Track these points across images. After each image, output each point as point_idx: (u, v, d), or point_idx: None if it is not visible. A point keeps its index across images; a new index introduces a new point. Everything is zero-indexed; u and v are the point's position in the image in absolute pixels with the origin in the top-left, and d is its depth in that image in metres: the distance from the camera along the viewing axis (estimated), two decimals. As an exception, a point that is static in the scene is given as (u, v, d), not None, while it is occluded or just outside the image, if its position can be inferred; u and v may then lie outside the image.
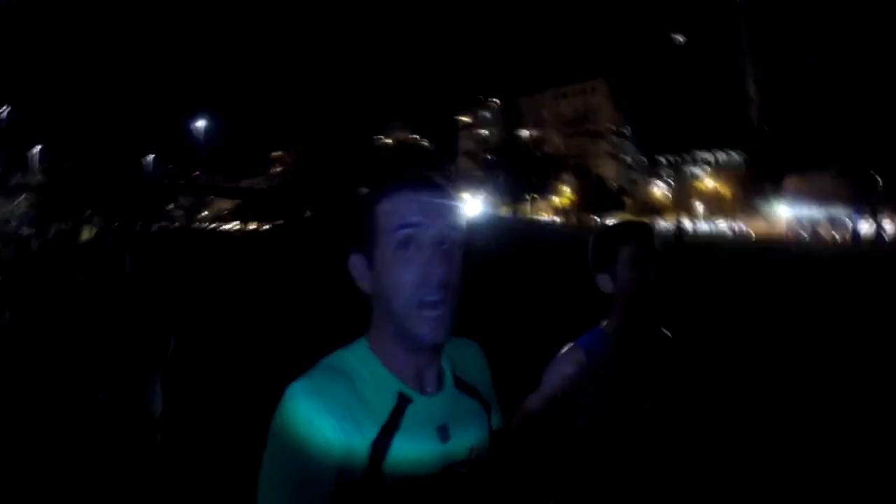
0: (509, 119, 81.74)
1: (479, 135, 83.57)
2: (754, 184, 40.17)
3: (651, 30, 50.36)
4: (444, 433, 1.06)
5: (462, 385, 1.16)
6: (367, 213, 1.07)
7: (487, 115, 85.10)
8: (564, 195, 69.14)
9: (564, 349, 1.84)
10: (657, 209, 58.47)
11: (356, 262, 1.08)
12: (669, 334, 1.96)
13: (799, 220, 39.02)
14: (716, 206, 52.07)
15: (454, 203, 1.08)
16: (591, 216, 60.95)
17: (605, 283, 1.84)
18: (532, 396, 1.84)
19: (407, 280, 1.01)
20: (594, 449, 1.80)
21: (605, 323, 1.87)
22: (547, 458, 1.87)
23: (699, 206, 54.04)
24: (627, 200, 61.05)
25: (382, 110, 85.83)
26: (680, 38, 48.33)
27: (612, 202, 60.38)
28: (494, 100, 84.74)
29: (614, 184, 64.12)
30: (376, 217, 1.05)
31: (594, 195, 61.58)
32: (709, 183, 52.04)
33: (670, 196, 59.06)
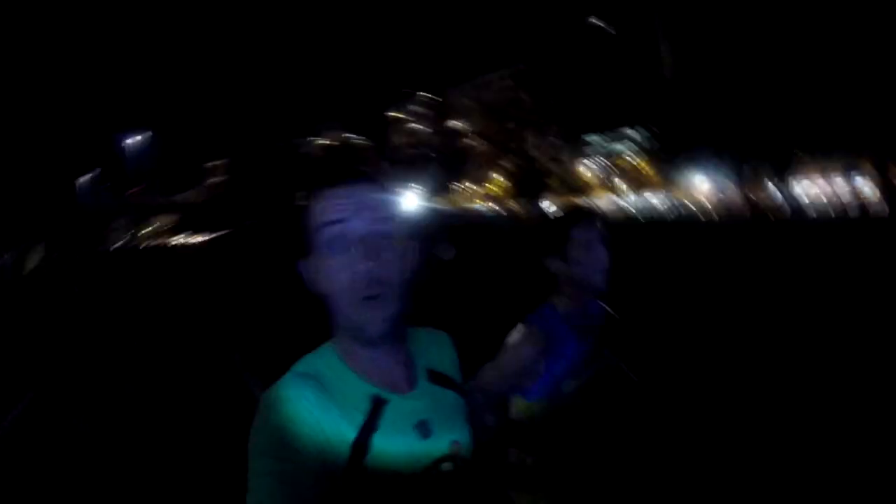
0: (437, 111, 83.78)
1: (409, 129, 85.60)
2: (669, 158, 42.83)
3: (568, 14, 52.15)
4: (424, 429, 1.06)
5: (437, 378, 1.16)
6: (302, 217, 1.08)
7: (416, 108, 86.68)
8: (494, 182, 71.52)
9: (519, 327, 1.88)
10: (584, 188, 61.09)
11: (303, 267, 1.09)
12: (612, 312, 2.04)
13: (719, 190, 42.15)
14: (637, 180, 54.90)
15: (379, 194, 1.07)
16: (522, 200, 63.71)
17: (556, 265, 1.90)
18: (489, 372, 1.86)
19: (340, 278, 1.02)
20: (556, 422, 1.84)
21: (556, 301, 1.94)
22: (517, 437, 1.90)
23: (621, 183, 56.70)
24: (554, 182, 63.68)
25: (313, 112, 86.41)
26: (595, 21, 50.21)
27: (539, 185, 63.03)
28: (422, 93, 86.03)
29: (540, 167, 66.70)
30: (309, 218, 1.06)
31: (522, 180, 64.13)
32: (630, 159, 54.79)
33: (596, 175, 61.68)
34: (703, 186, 43.01)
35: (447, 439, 1.09)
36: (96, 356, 9.66)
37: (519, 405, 1.88)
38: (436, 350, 1.22)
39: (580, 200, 59.86)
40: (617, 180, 57.28)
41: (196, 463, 4.56)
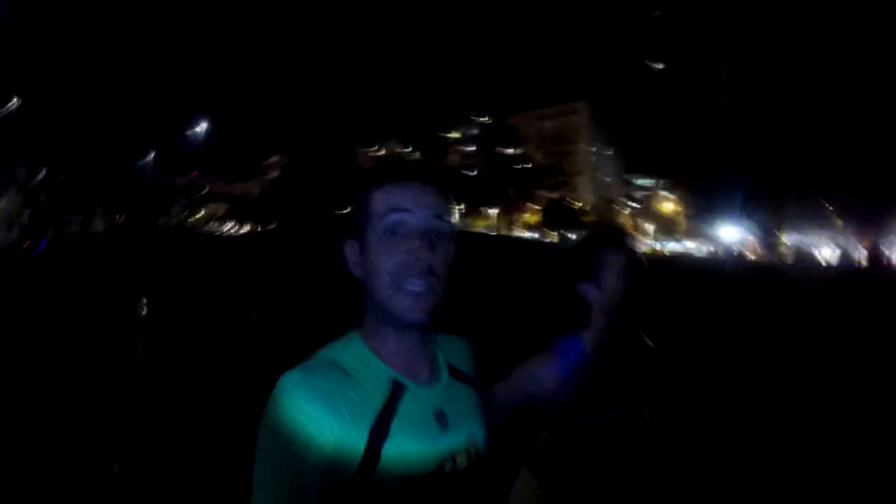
0: (494, 137, 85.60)
1: (465, 151, 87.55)
2: (698, 207, 43.56)
3: (632, 55, 52.90)
4: (442, 421, 1.08)
5: (457, 373, 1.20)
6: (361, 200, 1.11)
7: (474, 132, 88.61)
8: (533, 211, 73.20)
9: (541, 355, 1.83)
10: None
11: (349, 248, 1.12)
12: (651, 343, 1.97)
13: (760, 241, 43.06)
14: (666, 227, 55.87)
15: (443, 197, 1.11)
16: (556, 232, 65.09)
17: (590, 292, 1.83)
18: (501, 385, 1.84)
19: (392, 264, 1.04)
20: (565, 456, 1.80)
21: (584, 333, 1.85)
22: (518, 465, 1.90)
23: (650, 227, 57.72)
24: (589, 219, 64.88)
25: (376, 123, 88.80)
26: (658, 65, 50.54)
27: (572, 221, 64.31)
28: (482, 118, 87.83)
29: (579, 203, 67.98)
30: (369, 203, 1.09)
31: (556, 213, 65.52)
32: (667, 206, 55.71)
33: (630, 215, 62.78)
34: (730, 235, 43.86)
35: (465, 432, 1.12)
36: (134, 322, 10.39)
37: (528, 421, 1.89)
38: (457, 352, 1.27)
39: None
40: (646, 224, 58.35)
41: (209, 440, 4.66)
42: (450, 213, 1.11)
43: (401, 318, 1.06)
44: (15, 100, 62.97)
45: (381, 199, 1.08)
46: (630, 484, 1.78)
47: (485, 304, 10.95)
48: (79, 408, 5.39)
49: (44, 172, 56.40)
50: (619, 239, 1.88)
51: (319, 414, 0.94)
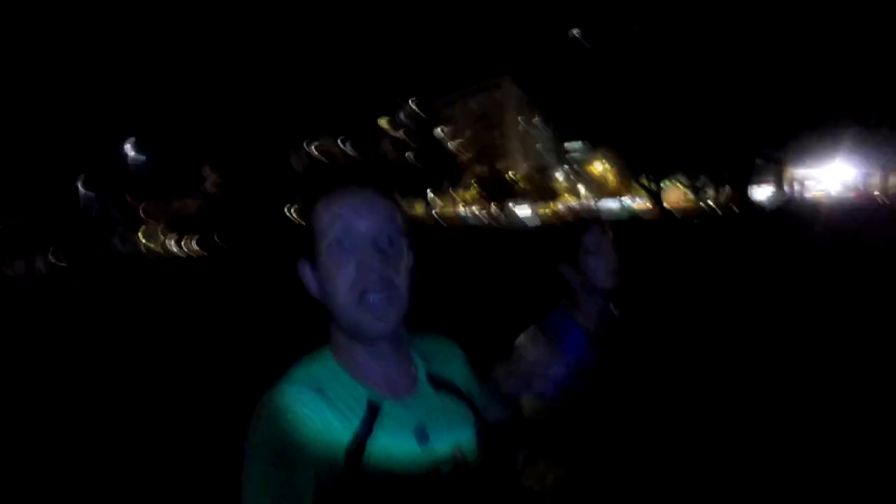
0: (423, 120, 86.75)
1: (397, 137, 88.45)
2: (631, 166, 45.29)
3: (551, 25, 53.73)
4: (421, 434, 1.05)
5: (438, 383, 1.15)
6: (307, 218, 1.09)
7: (403, 117, 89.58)
8: (472, 188, 74.83)
9: (531, 329, 1.83)
10: (554, 194, 64.19)
11: (304, 269, 1.10)
12: (616, 313, 1.97)
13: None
14: (601, 188, 57.99)
15: (386, 200, 1.08)
16: (495, 205, 67.02)
17: (568, 271, 1.83)
18: (500, 373, 1.74)
19: (344, 279, 1.02)
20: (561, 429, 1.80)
21: (568, 305, 1.85)
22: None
23: (582, 189, 59.85)
24: (527, 188, 66.82)
25: (306, 121, 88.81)
26: (577, 33, 51.49)
27: (510, 191, 66.32)
28: (411, 102, 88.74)
29: (514, 174, 69.84)
30: (313, 220, 1.07)
31: (492, 186, 67.35)
32: (598, 166, 57.64)
33: (565, 181, 64.80)
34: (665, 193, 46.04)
35: (448, 445, 1.08)
36: (91, 354, 10.40)
37: (530, 405, 1.84)
38: (440, 356, 1.22)
39: (552, 205, 63.37)
40: (581, 187, 60.44)
41: (189, 465, 4.62)
42: (396, 214, 1.09)
43: (365, 332, 1.04)
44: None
45: (324, 214, 1.06)
46: (624, 449, 1.89)
47: (457, 297, 10.82)
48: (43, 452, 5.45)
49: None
50: (588, 222, 1.91)
51: (303, 429, 0.95)
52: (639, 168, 42.49)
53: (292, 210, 62.51)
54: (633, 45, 39.55)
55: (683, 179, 43.75)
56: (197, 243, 70.29)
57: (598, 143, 49.81)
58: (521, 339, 1.82)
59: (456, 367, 1.24)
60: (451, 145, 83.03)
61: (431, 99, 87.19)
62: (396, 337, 1.09)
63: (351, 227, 1.04)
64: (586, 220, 1.93)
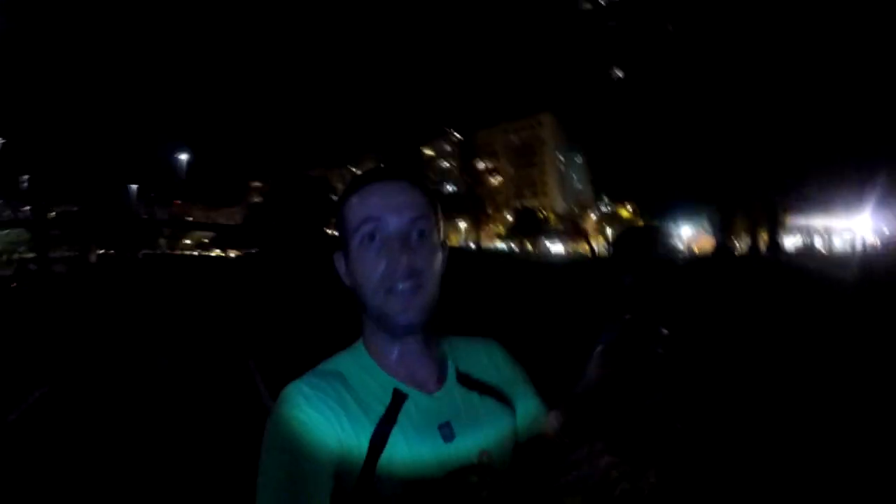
0: (466, 151, 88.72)
1: (440, 166, 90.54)
2: (649, 211, 46.15)
3: (596, 65, 54.79)
4: (447, 431, 1.03)
5: (470, 382, 1.13)
6: (340, 211, 1.09)
7: (447, 147, 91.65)
8: (506, 221, 76.51)
9: (598, 349, 1.73)
10: (585, 233, 65.11)
11: (338, 261, 1.10)
12: (666, 332, 1.85)
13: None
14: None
15: (420, 193, 1.07)
16: (526, 240, 68.31)
17: (628, 281, 1.87)
18: (583, 381, 1.70)
19: (374, 272, 1.02)
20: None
21: (628, 318, 1.78)
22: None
23: (609, 230, 60.57)
24: (559, 226, 67.94)
25: (353, 143, 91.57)
26: (620, 73, 52.61)
27: (541, 228, 67.54)
28: (454, 132, 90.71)
29: (545, 212, 71.05)
30: (346, 213, 1.07)
31: (525, 222, 68.75)
32: (626, 210, 58.61)
33: (596, 222, 65.77)
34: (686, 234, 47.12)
35: (475, 446, 1.05)
36: (146, 334, 11.05)
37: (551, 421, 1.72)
38: (477, 356, 1.20)
39: (582, 244, 64.43)
40: (607, 228, 61.15)
41: (206, 463, 4.61)
42: (429, 209, 1.07)
43: (393, 321, 1.03)
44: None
45: (356, 207, 1.06)
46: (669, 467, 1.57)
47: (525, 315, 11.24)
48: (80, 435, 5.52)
49: (35, 211, 59.06)
50: (652, 234, 1.96)
51: (322, 423, 0.94)
52: (663, 212, 43.37)
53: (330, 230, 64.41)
54: (668, 87, 40.49)
55: (707, 224, 44.69)
56: (237, 256, 72.59)
57: (623, 197, 50.72)
58: (592, 357, 1.87)
59: (495, 368, 1.20)
60: (490, 178, 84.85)
61: (474, 130, 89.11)
62: (425, 332, 1.07)
63: (382, 220, 1.03)
64: (642, 230, 2.07)
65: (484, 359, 1.20)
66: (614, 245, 1.93)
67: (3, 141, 65.68)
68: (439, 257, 1.08)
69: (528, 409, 1.19)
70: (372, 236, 1.03)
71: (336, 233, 1.12)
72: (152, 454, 4.91)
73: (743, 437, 4.65)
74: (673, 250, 1.91)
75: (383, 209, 1.04)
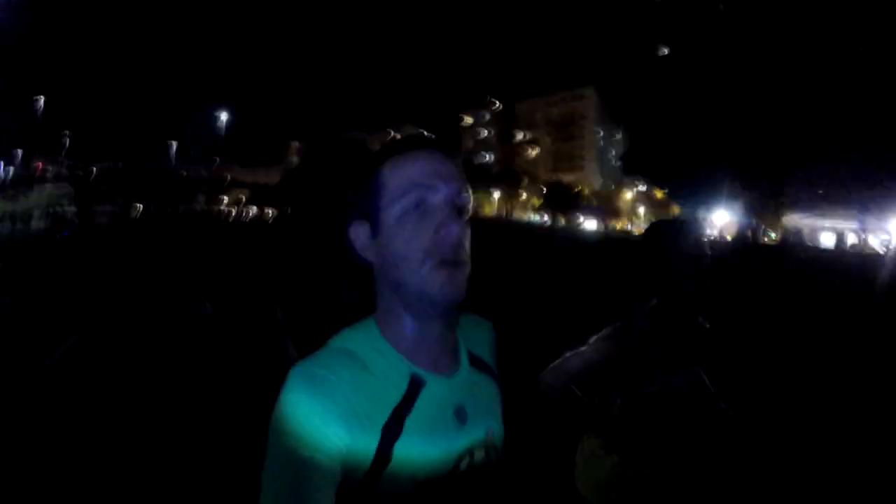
0: (505, 122, 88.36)
1: (479, 134, 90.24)
2: (682, 192, 45.79)
3: (643, 42, 54.10)
4: (461, 415, 1.01)
5: (477, 363, 1.12)
6: (371, 177, 1.01)
7: (486, 116, 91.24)
8: (537, 195, 76.47)
9: (608, 327, 1.94)
10: (619, 212, 64.84)
11: (358, 231, 1.03)
12: (707, 324, 2.03)
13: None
14: (659, 210, 58.24)
15: (458, 165, 1.03)
16: (559, 216, 68.07)
17: (656, 272, 1.94)
18: (572, 360, 1.91)
19: (419, 242, 0.96)
20: (631, 420, 1.85)
21: (648, 306, 1.96)
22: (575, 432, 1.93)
23: (642, 210, 60.26)
24: (595, 202, 67.58)
25: (392, 109, 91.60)
26: (665, 50, 51.94)
27: (573, 203, 67.20)
28: (494, 101, 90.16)
29: (583, 186, 70.63)
30: (382, 180, 1.00)
31: (557, 196, 68.55)
32: (664, 191, 58.13)
33: (630, 200, 65.33)
34: (720, 219, 46.61)
35: (483, 427, 1.05)
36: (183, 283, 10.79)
37: (589, 444, 1.98)
38: (477, 336, 1.18)
39: (617, 222, 64.15)
40: (642, 209, 60.83)
41: (223, 425, 4.57)
42: (466, 181, 1.03)
43: (435, 299, 0.96)
44: (42, 98, 67.23)
45: (397, 175, 0.99)
46: (692, 445, 1.85)
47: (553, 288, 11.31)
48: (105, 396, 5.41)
49: (78, 169, 60.62)
50: (682, 225, 1.98)
51: (330, 410, 0.89)
52: (697, 197, 42.92)
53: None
54: (714, 68, 39.90)
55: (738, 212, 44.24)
56: (275, 214, 73.48)
57: (660, 179, 50.29)
58: (599, 333, 1.92)
59: (487, 349, 1.20)
60: (528, 150, 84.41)
61: (515, 100, 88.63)
62: (455, 311, 1.03)
63: (430, 192, 0.97)
64: (672, 223, 2.08)
65: (485, 339, 1.20)
66: (644, 237, 2.05)
67: (43, 98, 67.14)
68: (470, 235, 1.04)
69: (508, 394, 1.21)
70: (417, 206, 0.98)
71: (358, 201, 1.04)
72: (185, 395, 5.18)
73: (777, 421, 4.71)
74: (702, 245, 1.95)
75: (431, 177, 0.99)
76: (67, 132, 70.14)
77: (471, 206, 1.02)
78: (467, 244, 0.99)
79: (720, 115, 38.38)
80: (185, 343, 7.07)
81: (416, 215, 0.97)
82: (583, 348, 1.91)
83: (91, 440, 4.33)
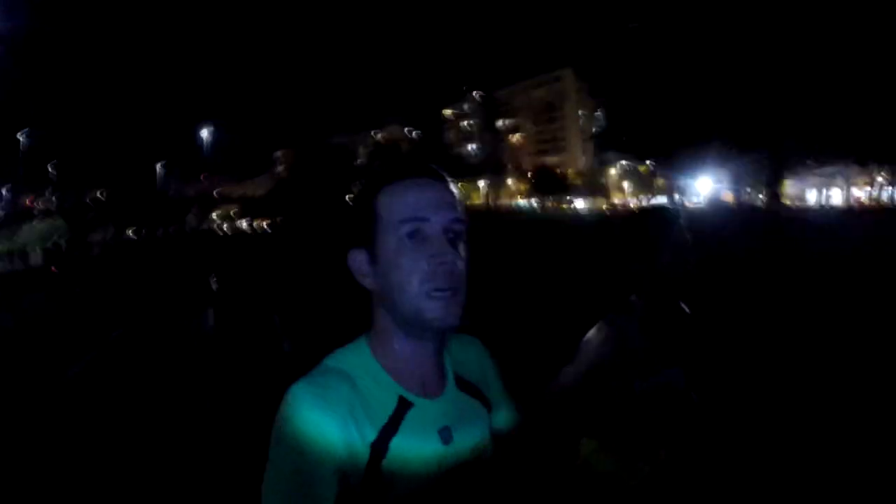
0: (487, 110, 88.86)
1: (461, 126, 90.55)
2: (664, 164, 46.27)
3: (615, 18, 54.13)
4: (446, 435, 1.04)
5: (464, 385, 1.14)
6: (367, 206, 1.03)
7: (467, 107, 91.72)
8: (523, 181, 77.06)
9: (598, 326, 1.88)
10: (605, 190, 65.39)
11: (357, 258, 1.05)
12: (688, 310, 2.03)
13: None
14: (644, 185, 58.85)
15: (454, 191, 1.05)
16: (550, 197, 68.68)
17: (639, 265, 1.90)
18: (568, 370, 1.87)
19: (416, 272, 0.98)
20: (624, 418, 1.84)
21: (634, 301, 1.92)
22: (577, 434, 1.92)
23: (628, 186, 60.85)
24: (580, 183, 68.17)
25: (375, 107, 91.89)
26: (637, 26, 51.74)
27: (560, 186, 67.87)
28: (476, 92, 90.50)
29: (566, 169, 71.20)
30: (378, 210, 1.02)
31: (544, 180, 69.28)
32: (648, 165, 58.58)
33: (616, 178, 65.87)
34: (704, 190, 47.19)
35: (469, 446, 1.07)
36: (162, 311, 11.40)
37: (587, 447, 1.95)
38: (467, 357, 1.19)
39: (604, 201, 64.65)
40: (627, 184, 61.37)
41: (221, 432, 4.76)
42: (462, 207, 1.05)
43: (431, 325, 0.99)
44: (26, 132, 67.67)
45: (394, 204, 1.01)
46: (683, 441, 1.87)
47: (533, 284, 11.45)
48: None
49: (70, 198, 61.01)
50: (664, 213, 1.95)
51: (329, 424, 0.93)
52: (682, 166, 43.28)
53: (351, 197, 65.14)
54: (687, 39, 40.13)
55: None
56: (267, 226, 73.94)
57: (643, 153, 50.79)
58: (588, 335, 1.88)
59: (479, 371, 1.20)
60: (511, 137, 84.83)
61: (495, 90, 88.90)
62: (445, 335, 1.06)
63: (426, 220, 0.99)
64: (655, 210, 2.03)
65: (472, 359, 1.21)
66: (627, 227, 2.01)
67: (27, 131, 67.49)
68: (468, 256, 1.06)
69: (503, 407, 1.22)
70: (412, 235, 0.99)
71: (356, 229, 1.05)
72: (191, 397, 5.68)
73: (757, 413, 4.61)
74: (684, 230, 1.91)
75: (427, 207, 1.00)
76: (53, 164, 70.62)
77: (464, 230, 1.05)
78: (464, 271, 1.02)
79: (705, 85, 38.56)
80: (190, 354, 7.62)
81: (412, 245, 0.99)
82: (578, 357, 1.88)
83: (108, 443, 4.68)
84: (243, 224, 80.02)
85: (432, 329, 1.00)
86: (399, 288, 0.99)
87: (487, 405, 1.16)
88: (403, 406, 1.01)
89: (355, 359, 1.04)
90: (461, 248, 1.02)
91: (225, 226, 78.27)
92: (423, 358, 1.05)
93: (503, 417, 1.20)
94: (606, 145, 66.20)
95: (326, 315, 6.02)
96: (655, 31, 45.00)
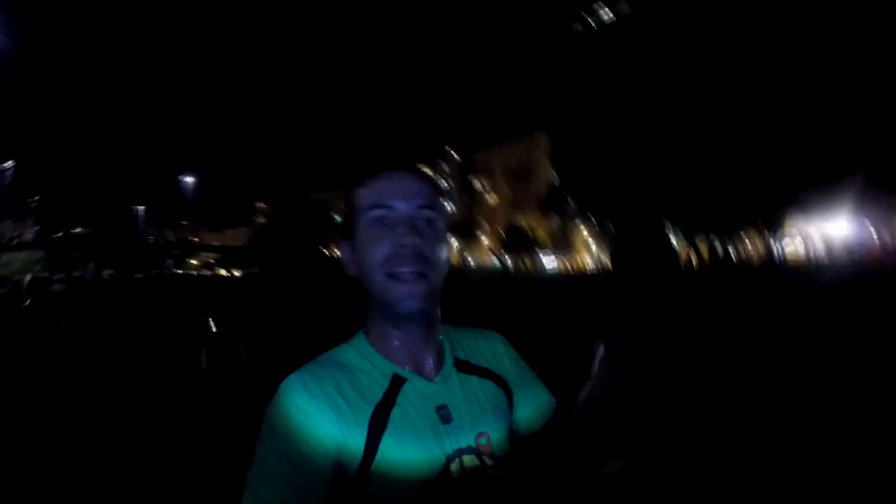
0: (464, 172, 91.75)
1: (439, 185, 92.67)
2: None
3: (589, 83, 55.90)
4: (445, 413, 1.05)
5: (468, 367, 1.15)
6: (349, 201, 1.12)
7: (446, 167, 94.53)
8: (496, 240, 79.19)
9: (600, 348, 1.88)
10: (572, 248, 67.73)
11: (345, 249, 1.11)
12: (678, 325, 2.00)
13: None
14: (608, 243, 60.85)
15: (427, 184, 1.10)
16: (517, 255, 71.16)
17: (632, 284, 1.89)
18: (583, 391, 1.82)
19: (381, 254, 1.03)
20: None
21: (630, 320, 1.91)
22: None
23: (595, 245, 63.10)
24: (548, 240, 70.57)
25: (355, 166, 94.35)
26: (612, 88, 52.97)
27: (532, 242, 70.79)
28: (454, 153, 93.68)
29: (537, 225, 73.54)
30: (355, 201, 1.10)
31: (517, 236, 72.46)
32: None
33: (586, 237, 68.19)
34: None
35: (472, 430, 1.07)
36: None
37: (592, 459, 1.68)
38: (475, 344, 1.22)
39: (568, 260, 66.67)
40: (592, 242, 63.47)
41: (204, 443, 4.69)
42: (436, 199, 1.10)
43: (396, 307, 1.04)
44: (10, 163, 68.73)
45: (366, 195, 1.09)
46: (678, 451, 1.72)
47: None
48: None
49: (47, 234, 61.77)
50: (663, 238, 1.91)
51: (321, 411, 0.95)
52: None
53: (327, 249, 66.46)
54: (658, 102, 41.43)
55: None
56: (241, 275, 74.64)
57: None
58: (596, 358, 1.88)
59: (494, 357, 1.22)
60: (486, 195, 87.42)
61: (472, 150, 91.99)
62: (427, 318, 1.09)
63: (390, 205, 1.06)
64: (643, 221, 2.02)
65: (483, 347, 1.22)
66: (614, 251, 1.99)
67: (12, 163, 68.69)
68: (445, 248, 1.10)
69: (531, 399, 1.22)
70: (380, 220, 1.06)
71: (342, 222, 1.16)
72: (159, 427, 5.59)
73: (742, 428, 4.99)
74: (675, 254, 1.90)
75: (392, 194, 1.07)
76: (35, 198, 71.50)
77: (441, 219, 1.11)
78: (432, 256, 1.06)
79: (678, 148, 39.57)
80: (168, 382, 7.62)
81: (379, 229, 1.06)
82: (586, 390, 1.81)
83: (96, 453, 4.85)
84: (222, 271, 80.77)
85: (395, 310, 1.06)
86: (367, 270, 1.07)
87: (506, 389, 1.19)
88: (397, 382, 1.06)
89: (350, 348, 1.11)
90: (430, 235, 1.08)
91: (204, 272, 79.00)
92: (411, 338, 1.10)
93: (532, 401, 1.22)
94: (576, 206, 68.49)
95: (279, 336, 6.59)
96: (629, 94, 46.54)
